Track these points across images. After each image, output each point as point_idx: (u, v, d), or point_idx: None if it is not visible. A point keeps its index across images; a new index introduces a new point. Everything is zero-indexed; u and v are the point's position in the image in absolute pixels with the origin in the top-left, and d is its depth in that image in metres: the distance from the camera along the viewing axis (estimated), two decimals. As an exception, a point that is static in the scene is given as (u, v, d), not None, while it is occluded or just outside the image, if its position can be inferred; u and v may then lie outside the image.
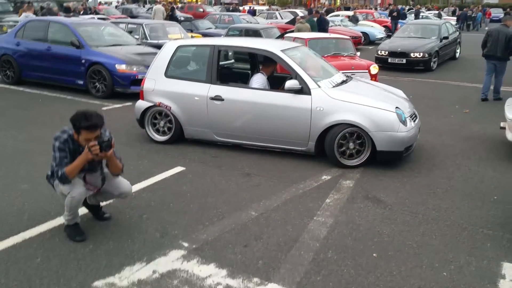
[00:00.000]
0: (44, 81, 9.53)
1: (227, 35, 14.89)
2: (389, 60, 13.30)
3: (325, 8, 31.33)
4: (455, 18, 32.86)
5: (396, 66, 13.20)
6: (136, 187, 4.58)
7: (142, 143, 6.04)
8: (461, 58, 16.09)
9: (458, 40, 16.04)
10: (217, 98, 5.58)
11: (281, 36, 12.84)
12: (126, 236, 3.64)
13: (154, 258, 3.34)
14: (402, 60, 13.15)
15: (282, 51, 5.56)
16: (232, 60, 10.19)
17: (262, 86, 5.77)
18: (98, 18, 18.33)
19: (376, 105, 5.10)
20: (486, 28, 33.22)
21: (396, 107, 5.18)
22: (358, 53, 10.13)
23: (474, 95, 9.81)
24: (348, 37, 11.01)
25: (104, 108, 8.03)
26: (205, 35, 16.50)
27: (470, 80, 11.59)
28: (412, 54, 13.00)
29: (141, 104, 6.07)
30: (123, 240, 3.58)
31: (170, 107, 5.83)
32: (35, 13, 17.14)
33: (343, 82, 5.76)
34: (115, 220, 3.92)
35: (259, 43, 6.24)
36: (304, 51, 6.37)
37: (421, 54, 12.94)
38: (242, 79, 6.23)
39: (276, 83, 5.96)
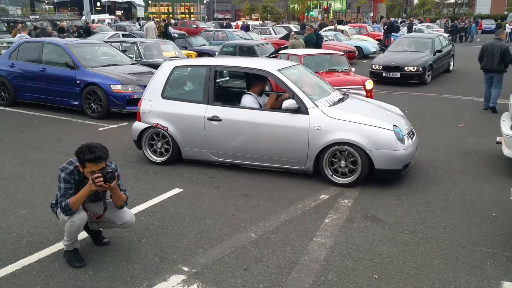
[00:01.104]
0: (39, 102, 9.55)
1: (221, 51, 15.02)
2: (384, 74, 13.42)
3: (318, 23, 31.64)
4: (448, 29, 33.23)
5: (390, 80, 13.32)
6: (134, 210, 4.55)
7: (139, 165, 6.03)
8: (455, 70, 16.26)
9: (452, 52, 16.23)
10: (214, 118, 5.60)
11: (275, 52, 12.96)
12: (125, 261, 3.62)
13: (154, 284, 3.32)
14: (396, 74, 13.26)
15: (279, 70, 5.60)
16: (227, 78, 10.25)
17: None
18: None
19: (374, 124, 5.13)
20: (478, 40, 33.72)
21: (394, 125, 5.21)
22: (353, 69, 10.22)
23: (469, 108, 9.90)
24: (343, 53, 11.12)
25: (100, 129, 8.04)
26: (199, 52, 16.62)
27: (465, 93, 11.70)
28: (406, 68, 13.13)
29: (138, 126, 6.08)
30: (123, 265, 3.56)
31: (167, 128, 5.84)
32: (29, 33, 17.27)
33: (340, 100, 5.80)
34: (114, 244, 3.89)
35: (256, 62, 6.28)
36: (300, 70, 6.42)
37: (415, 67, 13.07)
38: (238, 99, 6.26)
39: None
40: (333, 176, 5.25)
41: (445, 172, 5.75)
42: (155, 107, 5.94)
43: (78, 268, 3.50)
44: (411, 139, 5.41)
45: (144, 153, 6.14)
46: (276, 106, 5.70)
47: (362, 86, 9.09)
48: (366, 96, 9.04)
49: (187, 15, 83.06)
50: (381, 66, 13.53)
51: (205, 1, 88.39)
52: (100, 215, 3.58)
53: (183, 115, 5.79)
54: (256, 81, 6.07)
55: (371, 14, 65.30)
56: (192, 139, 5.80)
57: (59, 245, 3.83)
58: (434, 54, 14.04)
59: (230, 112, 5.62)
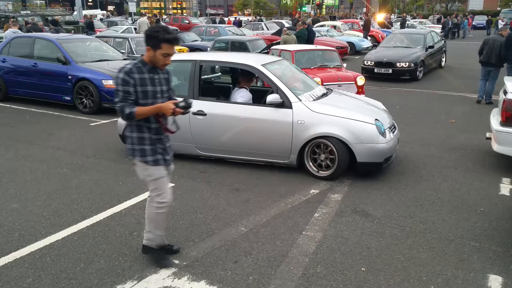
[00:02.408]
0: (31, 97, 9.51)
1: (213, 47, 15.00)
2: (375, 70, 13.49)
3: (310, 19, 31.62)
4: (440, 26, 33.35)
5: (382, 76, 13.39)
6: (126, 204, 4.60)
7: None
8: (447, 67, 16.37)
9: (444, 49, 16.32)
10: (200, 113, 5.64)
11: (267, 48, 12.97)
12: (116, 254, 3.65)
13: (145, 276, 3.35)
14: (388, 70, 13.33)
15: (263, 65, 5.67)
16: (219, 73, 10.25)
17: (247, 101, 5.85)
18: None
19: (356, 118, 5.22)
20: (471, 36, 33.87)
21: (376, 119, 5.29)
22: (345, 65, 10.26)
23: (460, 104, 9.99)
24: (334, 49, 11.15)
25: (92, 124, 8.03)
26: (191, 47, 16.57)
27: (456, 89, 11.79)
28: (398, 64, 13.20)
29: (123, 121, 6.08)
30: (114, 258, 3.59)
31: None
32: (20, 28, 17.06)
33: (324, 95, 5.88)
34: (105, 237, 3.92)
35: (241, 57, 6.34)
36: (285, 65, 6.49)
37: (407, 63, 13.14)
38: (223, 94, 6.31)
39: (257, 97, 6.04)
40: (314, 169, 5.37)
41: (434, 168, 5.82)
42: None
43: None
44: (393, 133, 5.49)
45: None
46: None
47: (353, 82, 9.14)
48: (358, 92, 9.10)
49: (179, 11, 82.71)
50: (373, 62, 13.60)
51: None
52: (172, 131, 3.36)
53: None
54: (247, 76, 6.11)
55: (364, 9, 65.38)
56: (177, 133, 5.80)
57: (51, 239, 3.86)
58: (426, 50, 14.12)
59: (215, 106, 5.68)
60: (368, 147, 5.10)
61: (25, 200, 4.72)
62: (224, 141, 5.65)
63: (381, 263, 3.56)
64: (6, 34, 12.36)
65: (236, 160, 5.78)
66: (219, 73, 9.71)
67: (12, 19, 17.35)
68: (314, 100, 5.54)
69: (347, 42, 20.36)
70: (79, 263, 3.52)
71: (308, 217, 4.34)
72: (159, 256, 3.50)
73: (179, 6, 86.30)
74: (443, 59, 16.35)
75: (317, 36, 17.59)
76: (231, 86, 6.77)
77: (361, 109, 5.68)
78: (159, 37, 2.98)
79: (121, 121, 6.13)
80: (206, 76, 7.62)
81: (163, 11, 70.90)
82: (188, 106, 3.15)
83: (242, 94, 5.92)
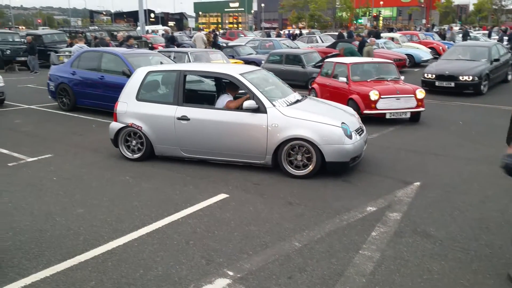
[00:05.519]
0: (97, 108, 10.04)
1: (268, 60, 15.17)
2: (437, 83, 12.99)
3: (366, 31, 31.04)
4: (507, 38, 31.65)
5: (444, 90, 12.86)
6: (182, 213, 4.71)
7: (186, 169, 6.20)
8: (513, 81, 15.49)
9: (510, 62, 15.47)
10: (184, 118, 6.12)
11: (322, 60, 12.91)
12: (173, 262, 3.74)
13: (200, 286, 3.40)
14: (450, 84, 12.81)
15: (241, 74, 6.16)
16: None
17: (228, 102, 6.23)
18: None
19: (324, 121, 5.69)
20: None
21: (342, 123, 5.72)
22: (403, 77, 10.00)
23: (528, 120, 9.40)
24: (392, 61, 10.90)
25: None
26: (246, 60, 16.84)
27: (523, 105, 11.10)
28: (461, 77, 12.63)
29: (115, 126, 6.61)
30: (171, 266, 3.67)
31: (141, 127, 6.35)
32: (88, 42, 18.11)
33: (297, 101, 6.38)
34: (163, 245, 4.03)
35: (221, 68, 6.86)
36: (263, 74, 6.93)
37: (471, 77, 12.55)
38: (206, 100, 6.79)
39: None
40: (290, 169, 5.78)
41: (501, 188, 5.49)
42: (130, 108, 6.49)
43: None
44: (359, 135, 5.94)
45: (120, 150, 6.65)
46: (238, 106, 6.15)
47: (413, 95, 8.89)
48: (417, 106, 8.91)
49: (235, 25, 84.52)
50: (434, 75, 13.12)
51: (252, 11, 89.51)
52: None
53: (155, 115, 6.33)
54: (231, 85, 6.48)
55: (423, 21, 63.52)
56: (164, 137, 6.29)
57: (113, 244, 4.03)
58: (491, 63, 13.44)
59: (198, 112, 6.15)
60: (335, 148, 5.58)
61: (90, 205, 4.97)
62: (206, 144, 6.11)
63: (443, 287, 3.39)
64: (74, 49, 13.20)
65: (216, 161, 6.22)
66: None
67: (79, 35, 18.48)
68: (288, 105, 6.01)
69: (405, 54, 19.83)
70: (139, 269, 3.63)
71: (365, 236, 4.23)
72: None
73: (235, 21, 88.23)
74: (510, 73, 15.49)
75: (374, 48, 17.26)
76: (215, 93, 7.27)
77: (330, 114, 6.13)
78: None
79: (112, 126, 6.62)
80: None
81: (219, 25, 72.73)
82: None
83: (223, 99, 6.36)
